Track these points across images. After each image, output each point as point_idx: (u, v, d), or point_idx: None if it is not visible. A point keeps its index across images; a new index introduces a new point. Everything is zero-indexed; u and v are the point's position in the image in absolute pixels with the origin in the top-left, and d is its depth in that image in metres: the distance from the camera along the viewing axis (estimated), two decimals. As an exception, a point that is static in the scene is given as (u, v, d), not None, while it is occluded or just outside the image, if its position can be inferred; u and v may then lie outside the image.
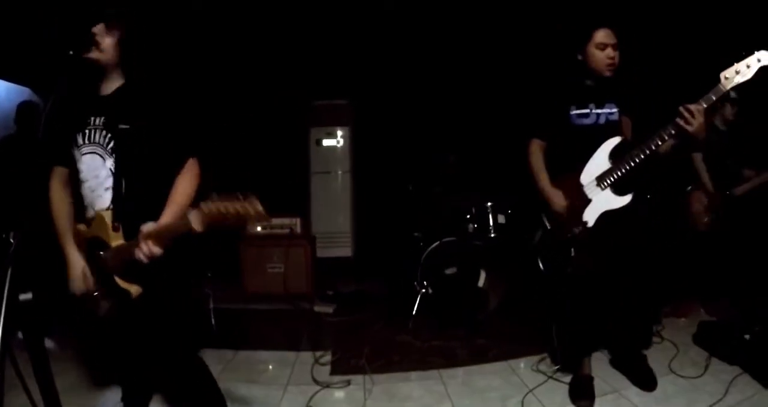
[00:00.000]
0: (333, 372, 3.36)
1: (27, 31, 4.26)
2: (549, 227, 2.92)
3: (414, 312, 4.23)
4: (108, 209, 1.98)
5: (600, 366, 3.14)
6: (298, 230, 5.17)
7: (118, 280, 1.96)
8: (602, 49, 2.73)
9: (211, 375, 2.36)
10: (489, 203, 4.52)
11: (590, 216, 2.75)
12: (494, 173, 5.22)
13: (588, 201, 2.75)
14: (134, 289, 1.97)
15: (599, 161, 2.74)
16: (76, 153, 2.02)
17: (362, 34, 5.75)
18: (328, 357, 3.57)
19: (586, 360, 2.93)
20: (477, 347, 3.70)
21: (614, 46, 2.73)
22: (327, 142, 6.81)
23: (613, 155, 2.71)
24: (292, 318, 4.50)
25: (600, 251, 2.74)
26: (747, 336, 3.14)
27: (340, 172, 6.79)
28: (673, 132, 2.46)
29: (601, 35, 2.73)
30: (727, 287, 4.05)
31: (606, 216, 2.72)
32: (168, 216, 1.92)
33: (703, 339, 3.48)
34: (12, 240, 1.56)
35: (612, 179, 2.69)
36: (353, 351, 3.65)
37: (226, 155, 5.00)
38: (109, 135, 1.98)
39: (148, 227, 1.82)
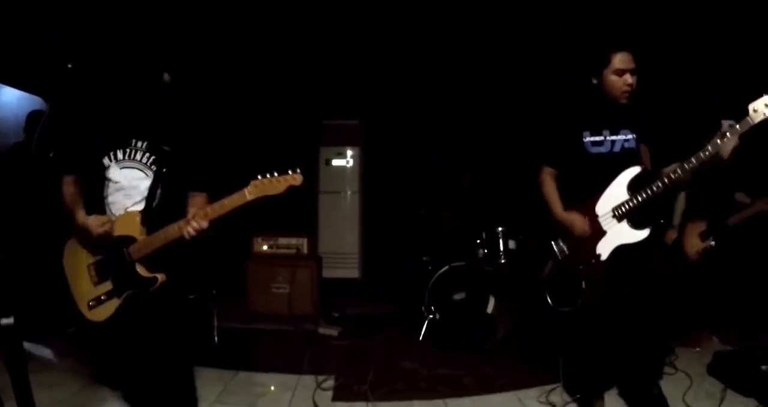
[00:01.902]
0: (335, 398, 3.28)
1: (39, 41, 4.30)
2: (560, 259, 2.81)
3: (421, 338, 4.14)
4: (139, 211, 2.31)
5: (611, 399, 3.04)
6: (305, 250, 5.11)
7: (140, 269, 2.28)
8: (620, 75, 2.62)
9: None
10: (500, 229, 4.46)
11: (604, 249, 2.64)
12: (506, 198, 5.17)
13: (603, 233, 2.65)
14: (161, 276, 2.30)
15: (616, 191, 2.63)
16: (113, 165, 2.35)
17: (375, 55, 5.78)
18: (330, 382, 3.49)
19: (597, 400, 2.83)
20: (484, 376, 3.60)
21: (632, 72, 2.63)
22: (336, 162, 6.79)
23: (632, 186, 2.60)
24: (296, 340, 4.41)
25: (612, 284, 2.63)
26: (764, 367, 3.06)
27: (348, 192, 6.75)
28: (695, 164, 2.35)
29: (620, 60, 2.62)
30: (736, 316, 3.96)
31: (620, 250, 2.62)
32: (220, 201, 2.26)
33: (717, 369, 3.39)
34: None
35: (630, 211, 2.57)
36: (357, 376, 3.56)
37: (235, 170, 4.99)
38: (153, 157, 2.36)
39: (200, 207, 2.30)
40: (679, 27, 4.53)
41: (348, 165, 6.78)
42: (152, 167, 2.36)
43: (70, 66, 1.90)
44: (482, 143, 6.13)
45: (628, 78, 2.62)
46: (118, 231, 2.30)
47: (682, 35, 4.58)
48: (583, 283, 2.69)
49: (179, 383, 2.52)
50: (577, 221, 2.71)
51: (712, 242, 3.69)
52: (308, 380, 3.52)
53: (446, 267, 4.25)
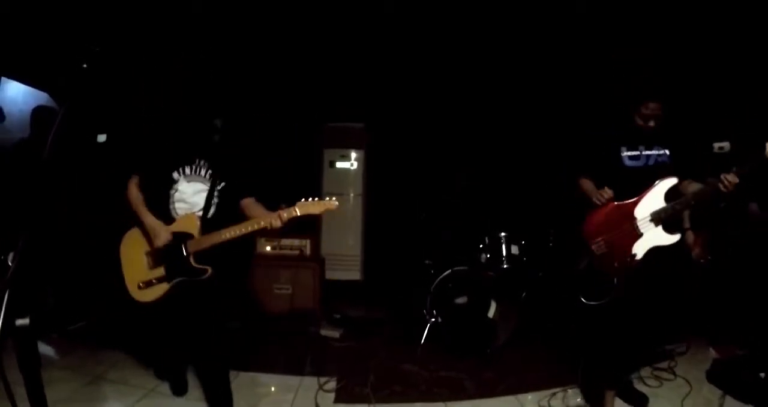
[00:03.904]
0: (337, 400, 3.31)
1: (48, 37, 4.34)
2: (597, 255, 2.98)
3: (422, 341, 4.16)
4: (197, 215, 2.81)
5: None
6: (308, 252, 5.14)
7: (192, 261, 2.75)
8: (644, 119, 2.92)
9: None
10: (503, 234, 4.48)
11: (640, 250, 2.85)
12: (510, 202, 5.19)
13: (639, 235, 2.85)
14: (209, 269, 2.76)
15: (655, 198, 2.85)
16: (182, 179, 2.85)
17: (380, 59, 5.80)
18: (332, 384, 3.51)
19: (609, 396, 2.96)
20: (485, 380, 3.62)
21: (657, 117, 2.89)
22: (341, 164, 6.81)
23: (669, 195, 2.83)
24: (298, 341, 4.41)
25: (643, 281, 2.85)
26: (762, 375, 3.09)
27: (352, 194, 6.77)
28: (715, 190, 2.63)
29: (650, 107, 2.88)
30: (734, 327, 3.98)
31: (654, 251, 2.83)
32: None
33: (717, 376, 3.41)
34: (10, 263, 1.55)
35: (667, 218, 2.80)
36: (358, 378, 3.58)
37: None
38: (211, 172, 2.88)
39: (254, 207, 2.90)
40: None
41: (352, 168, 6.80)
42: (210, 180, 2.87)
43: (84, 66, 1.92)
44: (488, 146, 6.15)
45: (651, 122, 2.92)
46: (179, 228, 2.79)
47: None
48: (615, 280, 2.93)
49: (214, 366, 2.92)
50: (605, 191, 2.95)
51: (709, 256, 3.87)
52: (310, 381, 3.55)
53: (448, 271, 4.27)
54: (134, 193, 2.88)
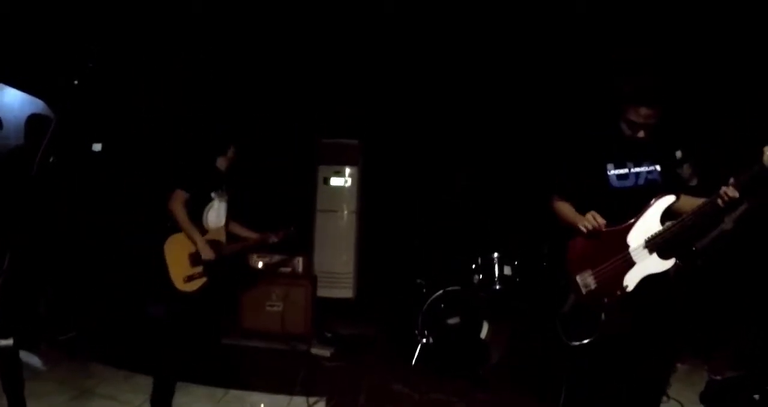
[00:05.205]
0: (326, 421, 3.27)
1: (47, 44, 4.35)
2: (584, 293, 2.63)
3: (413, 362, 4.13)
4: (223, 227, 3.68)
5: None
6: (300, 269, 5.11)
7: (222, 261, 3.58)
8: (635, 127, 2.52)
9: None
10: (495, 254, 4.47)
11: (631, 280, 2.51)
12: (505, 215, 5.19)
13: (632, 265, 2.51)
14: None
15: (650, 222, 2.50)
16: (217, 198, 3.58)
17: (375, 75, 5.85)
18: (322, 404, 3.48)
19: None
20: (477, 402, 3.60)
21: (648, 127, 2.51)
22: (335, 181, 6.79)
23: (665, 216, 2.49)
24: (288, 359, 4.40)
25: (633, 316, 2.55)
26: (756, 396, 3.06)
27: (346, 211, 6.74)
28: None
29: (642, 114, 2.48)
30: (728, 348, 3.97)
31: (646, 280, 2.50)
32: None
33: (710, 398, 3.41)
34: None
35: (663, 243, 2.45)
36: (349, 398, 3.56)
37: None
38: (227, 194, 3.68)
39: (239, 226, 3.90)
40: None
41: (346, 185, 6.77)
42: (227, 197, 3.68)
43: (76, 82, 1.94)
44: (485, 161, 6.15)
45: (642, 133, 2.53)
46: (212, 237, 3.56)
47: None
48: (603, 315, 2.58)
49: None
50: (595, 216, 2.55)
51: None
52: (300, 401, 3.52)
53: (440, 291, 4.26)
54: (180, 208, 3.41)
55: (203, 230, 3.51)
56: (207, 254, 3.45)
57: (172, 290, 3.38)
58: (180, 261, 3.44)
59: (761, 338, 3.75)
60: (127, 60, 4.96)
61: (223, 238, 3.65)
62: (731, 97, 4.54)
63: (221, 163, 3.69)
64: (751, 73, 4.40)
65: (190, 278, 3.42)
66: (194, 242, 3.44)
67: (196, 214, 3.50)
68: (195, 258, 3.48)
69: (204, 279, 3.46)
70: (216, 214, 3.62)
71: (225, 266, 3.63)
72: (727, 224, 3.70)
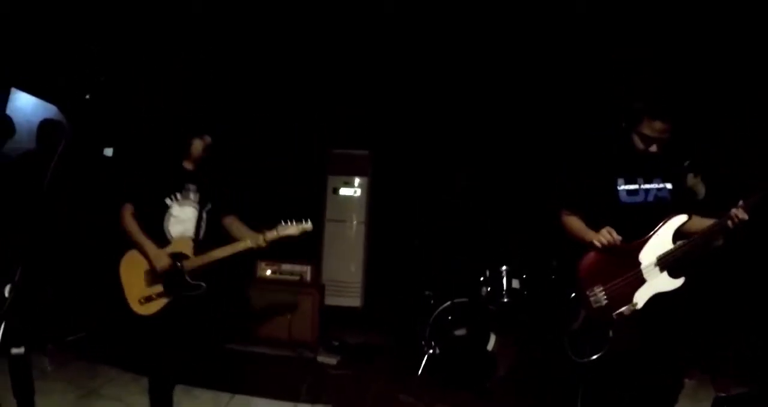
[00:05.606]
0: (332, 429, 3.27)
1: (60, 50, 4.40)
2: (594, 308, 2.62)
3: (420, 372, 4.13)
4: (190, 237, 3.06)
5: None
6: (308, 278, 5.13)
7: (188, 278, 2.98)
8: (648, 140, 2.52)
9: None
10: (504, 267, 4.47)
11: (641, 297, 2.51)
12: (512, 229, 5.18)
13: (642, 282, 2.51)
14: (203, 285, 2.99)
15: (662, 240, 2.50)
16: (175, 204, 3.06)
17: (387, 85, 5.89)
18: (327, 412, 3.48)
19: None
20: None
21: (662, 141, 2.51)
22: (344, 191, 6.82)
23: (677, 234, 2.49)
24: (294, 367, 4.40)
25: (642, 333, 2.55)
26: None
27: (355, 221, 6.76)
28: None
29: (657, 128, 2.48)
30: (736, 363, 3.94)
31: (655, 298, 2.51)
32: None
33: (717, 414, 3.35)
34: (7, 295, 1.56)
35: (675, 261, 2.45)
36: (354, 407, 3.56)
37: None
38: (199, 195, 3.13)
39: (238, 226, 3.21)
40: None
41: (355, 195, 6.80)
42: (199, 203, 3.13)
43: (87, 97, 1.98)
44: (492, 179, 6.16)
45: (654, 147, 2.52)
46: (175, 249, 3.01)
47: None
48: (611, 332, 2.57)
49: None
50: (611, 232, 2.54)
51: None
52: (305, 408, 3.53)
53: (448, 303, 4.27)
54: (129, 222, 3.03)
55: (166, 242, 3.03)
56: (160, 262, 2.93)
57: (127, 312, 3.00)
58: (136, 280, 3.03)
59: (761, 347, 3.73)
60: (129, 61, 5.01)
61: (189, 250, 3.02)
62: (731, 97, 4.50)
63: (188, 163, 3.17)
64: (751, 73, 4.39)
65: (147, 299, 2.99)
66: (144, 253, 2.98)
67: (156, 224, 3.05)
68: (153, 276, 3.00)
69: (163, 301, 2.98)
70: (177, 221, 3.09)
71: (192, 288, 3.00)
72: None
